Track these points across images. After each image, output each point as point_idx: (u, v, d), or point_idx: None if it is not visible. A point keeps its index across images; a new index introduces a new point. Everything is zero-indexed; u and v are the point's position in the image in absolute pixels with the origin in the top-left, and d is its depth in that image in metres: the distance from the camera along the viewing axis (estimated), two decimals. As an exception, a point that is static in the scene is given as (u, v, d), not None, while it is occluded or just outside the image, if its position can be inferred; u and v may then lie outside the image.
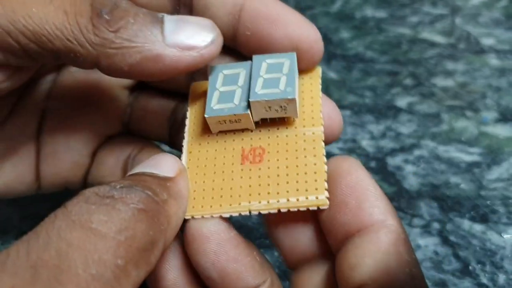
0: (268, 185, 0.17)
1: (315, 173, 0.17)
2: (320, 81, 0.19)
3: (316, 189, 0.16)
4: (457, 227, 0.26)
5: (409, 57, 0.41)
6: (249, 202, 0.17)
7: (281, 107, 0.17)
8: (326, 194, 0.16)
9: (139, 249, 0.14)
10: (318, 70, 0.19)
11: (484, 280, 0.23)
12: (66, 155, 0.23)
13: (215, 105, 0.17)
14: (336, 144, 0.32)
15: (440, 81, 0.38)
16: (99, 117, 0.23)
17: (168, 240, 0.16)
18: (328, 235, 0.17)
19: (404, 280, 0.14)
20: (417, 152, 0.31)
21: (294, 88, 0.17)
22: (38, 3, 0.16)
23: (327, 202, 0.16)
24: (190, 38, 0.16)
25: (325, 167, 0.17)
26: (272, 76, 0.17)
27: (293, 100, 0.17)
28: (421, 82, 0.38)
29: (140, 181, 0.15)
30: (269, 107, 0.17)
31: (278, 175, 0.17)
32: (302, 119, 0.18)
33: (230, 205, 0.17)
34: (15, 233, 0.27)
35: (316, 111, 0.18)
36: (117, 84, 0.23)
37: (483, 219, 0.26)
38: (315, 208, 0.16)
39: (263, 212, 0.16)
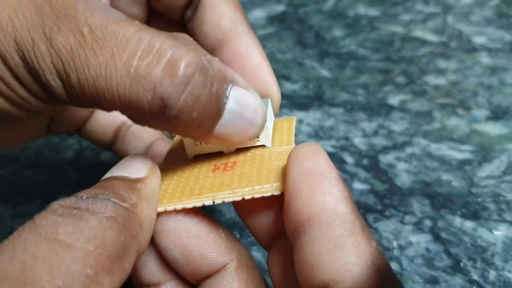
0: (232, 181, 0.18)
1: (278, 169, 0.17)
2: (293, 127, 0.21)
3: (276, 177, 0.17)
4: (448, 224, 0.26)
5: (401, 55, 0.41)
6: (214, 193, 0.17)
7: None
8: (280, 181, 0.17)
9: (110, 257, 0.14)
10: (293, 120, 0.21)
11: (475, 276, 0.23)
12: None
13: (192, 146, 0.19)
14: (329, 142, 0.32)
15: (432, 79, 0.38)
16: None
17: (142, 243, 0.15)
18: (285, 224, 0.16)
19: (368, 275, 0.13)
20: (409, 150, 0.31)
21: (269, 135, 0.19)
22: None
23: (281, 188, 0.16)
24: (233, 134, 0.18)
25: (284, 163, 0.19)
26: None
27: (266, 142, 0.19)
28: (413, 80, 0.38)
29: (108, 188, 0.15)
30: None
31: (246, 174, 0.18)
32: (275, 143, 0.20)
33: (198, 197, 0.17)
34: (7, 232, 0.27)
35: (289, 135, 0.20)
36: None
37: (474, 216, 0.27)
38: (269, 194, 0.16)
39: (226, 200, 0.17)
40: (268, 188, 0.16)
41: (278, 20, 0.48)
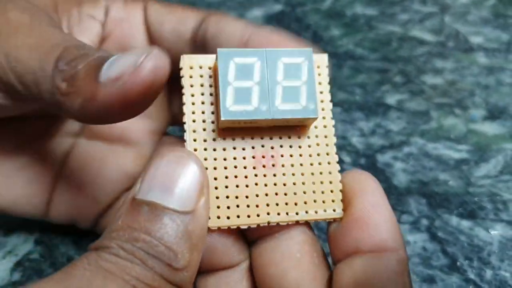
0: (285, 194, 0.17)
1: (330, 182, 0.17)
2: (327, 71, 0.18)
3: (333, 201, 0.17)
4: (445, 223, 0.26)
5: (399, 55, 0.41)
6: (268, 214, 0.16)
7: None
8: (342, 206, 0.17)
9: None
10: (324, 58, 0.18)
11: (472, 275, 0.23)
12: (85, 191, 0.22)
13: (231, 105, 0.16)
14: (326, 141, 0.32)
15: (429, 79, 0.38)
16: (127, 161, 0.23)
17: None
18: (334, 245, 0.17)
19: None
20: (406, 149, 0.32)
21: (316, 102, 0.16)
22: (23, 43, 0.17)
23: (342, 214, 0.17)
24: (117, 68, 0.15)
25: (339, 175, 0.17)
26: (291, 84, 0.16)
27: (315, 118, 0.17)
28: (411, 80, 0.38)
29: (152, 235, 0.14)
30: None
31: (294, 183, 0.17)
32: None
33: (249, 216, 0.16)
34: (4, 230, 0.27)
35: (327, 109, 0.18)
36: (144, 129, 0.23)
37: (471, 215, 0.27)
38: (332, 220, 0.17)
39: (282, 223, 0.16)
40: (331, 215, 0.17)
41: (275, 19, 0.48)
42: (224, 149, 0.16)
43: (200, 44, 0.20)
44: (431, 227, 0.26)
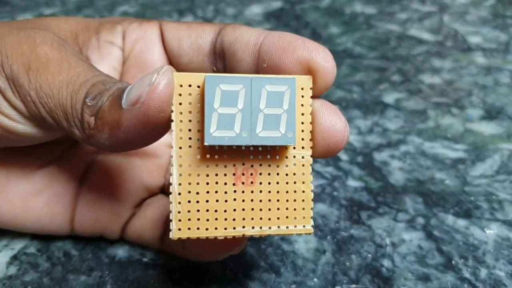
0: (261, 210, 0.18)
1: (303, 201, 0.18)
2: (311, 93, 0.18)
3: (304, 217, 0.18)
4: (441, 222, 0.26)
5: (397, 54, 0.41)
6: (243, 227, 0.18)
7: None
8: (312, 223, 0.18)
9: None
10: (309, 81, 0.18)
11: (467, 274, 0.24)
12: (106, 204, 0.23)
13: (215, 131, 0.17)
14: (324, 139, 0.32)
15: (427, 78, 0.38)
16: (144, 172, 0.24)
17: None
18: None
19: None
20: (403, 148, 0.32)
21: (295, 131, 0.17)
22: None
23: (312, 230, 0.18)
24: (135, 92, 0.17)
25: (312, 194, 0.18)
26: (272, 112, 0.17)
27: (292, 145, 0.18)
28: (409, 79, 0.38)
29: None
30: None
31: (269, 200, 0.18)
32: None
33: (225, 229, 0.17)
34: None
35: (306, 131, 0.18)
36: (162, 143, 0.24)
37: (466, 214, 0.27)
38: (301, 234, 0.19)
39: (255, 236, 0.18)
40: (301, 231, 0.18)
41: (275, 16, 0.48)
42: (207, 166, 0.17)
43: (219, 56, 0.21)
44: (427, 226, 0.26)
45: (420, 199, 0.28)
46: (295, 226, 0.18)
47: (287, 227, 0.18)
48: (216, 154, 0.18)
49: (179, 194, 0.17)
